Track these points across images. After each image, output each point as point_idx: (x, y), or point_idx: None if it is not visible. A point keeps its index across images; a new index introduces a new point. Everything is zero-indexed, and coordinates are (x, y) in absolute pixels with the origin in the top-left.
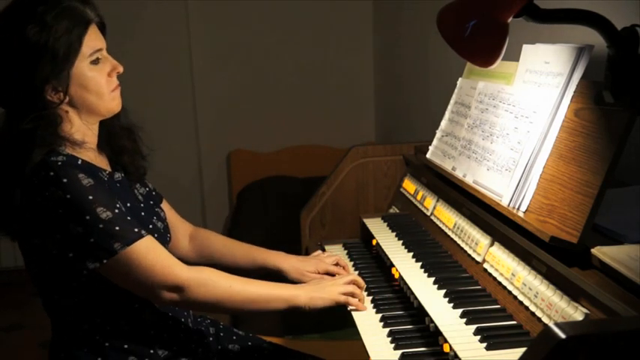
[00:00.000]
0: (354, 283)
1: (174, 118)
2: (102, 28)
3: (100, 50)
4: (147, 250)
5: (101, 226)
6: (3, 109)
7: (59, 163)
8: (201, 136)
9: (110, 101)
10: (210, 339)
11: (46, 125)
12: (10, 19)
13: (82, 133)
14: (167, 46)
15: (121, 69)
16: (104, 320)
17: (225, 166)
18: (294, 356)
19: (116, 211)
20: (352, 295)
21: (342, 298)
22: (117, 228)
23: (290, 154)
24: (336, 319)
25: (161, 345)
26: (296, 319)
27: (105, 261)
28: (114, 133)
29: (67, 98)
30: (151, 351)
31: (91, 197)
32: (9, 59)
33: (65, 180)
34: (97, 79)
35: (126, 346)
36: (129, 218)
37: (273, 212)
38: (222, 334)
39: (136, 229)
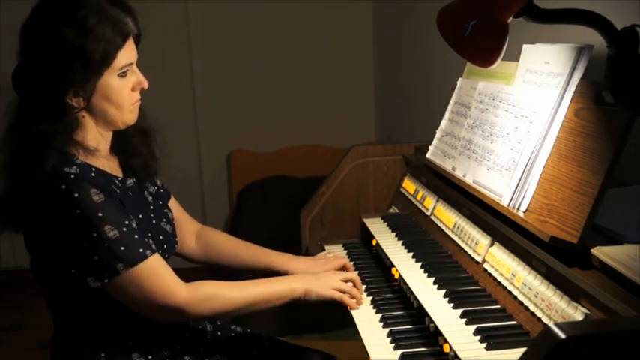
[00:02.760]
0: (351, 281)
1: (175, 118)
2: (137, 40)
3: (130, 64)
4: (149, 273)
5: (107, 244)
6: (16, 98)
7: (72, 176)
8: (201, 136)
9: (128, 114)
10: (208, 337)
11: (62, 129)
12: (47, 17)
13: (97, 140)
14: (167, 46)
15: (145, 85)
16: (108, 317)
17: (225, 166)
18: (294, 350)
19: (124, 229)
20: (346, 292)
21: (337, 295)
22: (122, 248)
23: (290, 154)
24: (336, 319)
25: (165, 343)
26: (295, 318)
27: (106, 280)
28: (127, 134)
29: (87, 105)
30: (155, 348)
31: (100, 214)
32: (39, 56)
33: (76, 195)
34: (121, 92)
35: (130, 343)
36: (136, 237)
37: (273, 212)
38: (219, 333)
39: (141, 249)
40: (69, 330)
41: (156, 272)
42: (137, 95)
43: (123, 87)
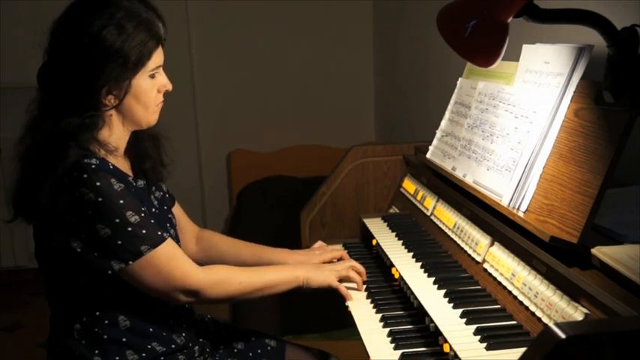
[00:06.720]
0: (352, 268)
1: (175, 119)
2: (163, 45)
3: (159, 66)
4: (169, 254)
5: (130, 229)
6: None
7: (93, 166)
8: (201, 136)
9: (152, 114)
10: (211, 337)
11: (90, 125)
12: (83, 19)
13: (118, 139)
14: (167, 46)
15: (170, 87)
16: (104, 314)
17: (225, 166)
18: (297, 350)
19: (142, 215)
20: (347, 278)
21: (335, 284)
22: (144, 231)
23: (290, 154)
24: (336, 319)
25: (159, 341)
26: (296, 318)
27: (130, 262)
28: (140, 139)
29: (119, 104)
30: (149, 346)
31: (121, 201)
32: (76, 56)
33: (98, 183)
34: (149, 93)
35: (124, 340)
36: (153, 221)
37: (273, 212)
38: (224, 333)
39: (160, 232)
40: (65, 327)
41: (175, 254)
42: (161, 97)
43: (151, 88)
